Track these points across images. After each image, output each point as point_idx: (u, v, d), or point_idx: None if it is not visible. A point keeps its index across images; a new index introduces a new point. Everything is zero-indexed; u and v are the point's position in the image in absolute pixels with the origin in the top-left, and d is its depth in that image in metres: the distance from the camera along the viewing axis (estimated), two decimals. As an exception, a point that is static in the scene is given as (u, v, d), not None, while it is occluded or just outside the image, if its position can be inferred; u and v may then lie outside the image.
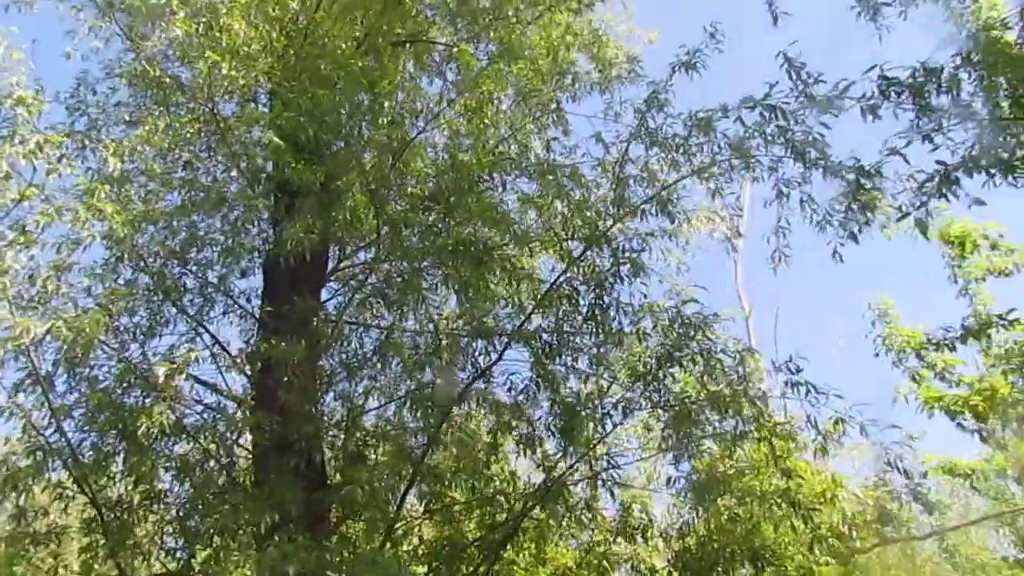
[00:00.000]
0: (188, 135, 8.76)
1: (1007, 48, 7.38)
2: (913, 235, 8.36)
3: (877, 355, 11.24)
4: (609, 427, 7.96)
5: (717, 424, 7.99)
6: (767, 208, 8.55)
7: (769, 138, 8.05)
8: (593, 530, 8.91)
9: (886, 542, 13.62)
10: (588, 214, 8.60)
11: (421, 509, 8.77)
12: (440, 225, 8.27)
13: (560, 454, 8.00)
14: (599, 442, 7.94)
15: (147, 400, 7.04)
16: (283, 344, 7.77)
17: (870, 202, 7.10)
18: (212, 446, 7.67)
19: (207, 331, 9.04)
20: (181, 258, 8.70)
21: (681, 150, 8.23)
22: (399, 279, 8.36)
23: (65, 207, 7.42)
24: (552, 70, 9.64)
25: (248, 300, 9.60)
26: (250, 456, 8.53)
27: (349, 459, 8.18)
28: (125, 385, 7.19)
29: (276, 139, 7.29)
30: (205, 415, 7.91)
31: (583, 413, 7.63)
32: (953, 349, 9.03)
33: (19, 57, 7.78)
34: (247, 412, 8.32)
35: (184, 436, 7.44)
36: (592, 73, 9.80)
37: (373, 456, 8.67)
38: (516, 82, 9.44)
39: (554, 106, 9.58)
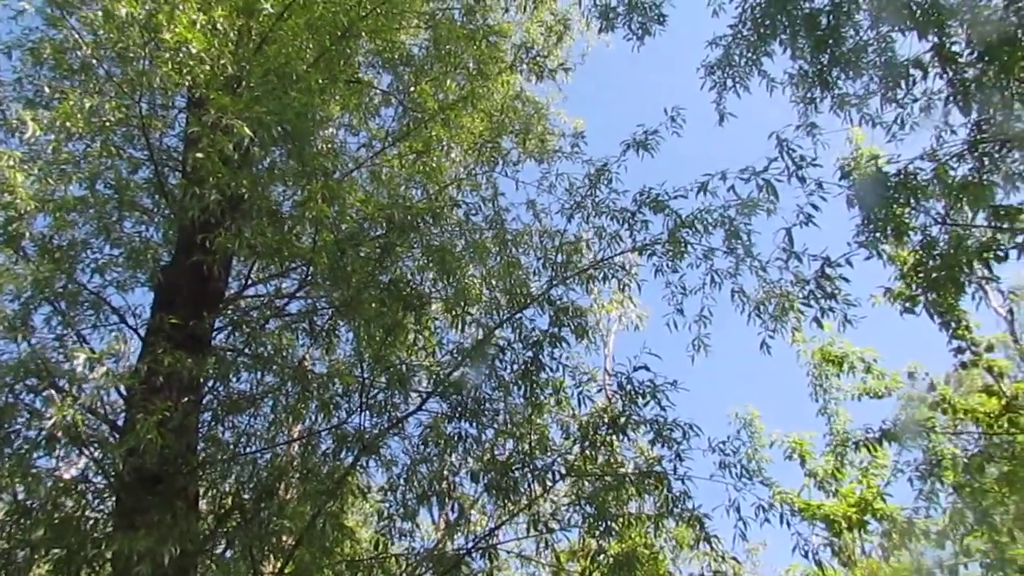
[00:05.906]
0: (108, 124, 7.96)
1: None
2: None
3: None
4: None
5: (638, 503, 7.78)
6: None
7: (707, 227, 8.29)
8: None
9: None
10: (519, 273, 8.52)
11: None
12: (375, 261, 7.83)
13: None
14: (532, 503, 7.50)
15: (32, 397, 6.07)
16: (168, 361, 7.07)
17: (833, 291, 7.33)
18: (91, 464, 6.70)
19: (83, 340, 8.12)
20: (74, 255, 7.85)
21: (627, 225, 8.30)
22: (330, 310, 7.80)
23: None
24: (505, 127, 9.57)
25: (135, 315, 8.76)
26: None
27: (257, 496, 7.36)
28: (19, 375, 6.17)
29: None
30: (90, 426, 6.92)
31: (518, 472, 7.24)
32: (875, 450, 9.34)
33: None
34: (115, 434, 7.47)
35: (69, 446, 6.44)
36: (531, 141, 9.82)
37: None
38: (471, 131, 9.31)
39: (504, 159, 9.47)
